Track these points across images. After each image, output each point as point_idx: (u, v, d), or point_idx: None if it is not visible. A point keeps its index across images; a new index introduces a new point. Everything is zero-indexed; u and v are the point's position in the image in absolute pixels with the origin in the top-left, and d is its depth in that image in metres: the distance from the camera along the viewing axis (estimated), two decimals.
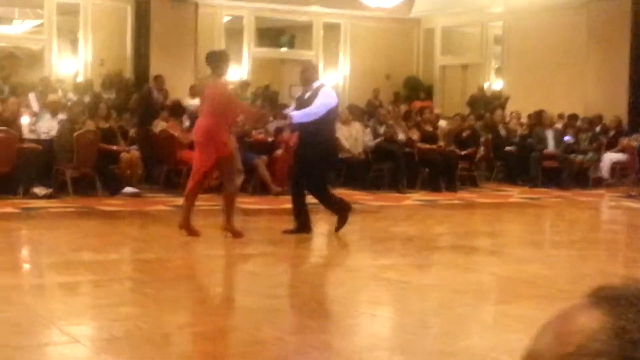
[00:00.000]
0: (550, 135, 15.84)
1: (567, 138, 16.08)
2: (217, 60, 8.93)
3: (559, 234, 11.38)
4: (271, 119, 13.42)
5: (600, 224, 13.19)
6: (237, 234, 9.01)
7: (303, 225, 9.18)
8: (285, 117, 10.02)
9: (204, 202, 11.96)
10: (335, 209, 9.41)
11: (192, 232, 8.97)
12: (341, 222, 9.33)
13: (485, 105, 19.87)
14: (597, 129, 17.08)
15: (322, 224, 9.97)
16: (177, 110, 15.60)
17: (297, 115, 9.01)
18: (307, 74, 9.31)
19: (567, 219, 12.56)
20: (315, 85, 9.12)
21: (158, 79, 17.68)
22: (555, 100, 18.01)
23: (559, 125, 16.52)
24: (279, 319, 6.15)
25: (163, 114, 14.37)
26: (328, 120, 9.07)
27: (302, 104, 9.11)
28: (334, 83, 21.48)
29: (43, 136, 12.44)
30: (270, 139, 13.78)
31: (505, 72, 21.28)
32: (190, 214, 9.05)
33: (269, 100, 18.89)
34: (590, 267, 8.57)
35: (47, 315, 5.86)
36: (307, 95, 9.11)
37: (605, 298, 0.99)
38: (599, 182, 15.77)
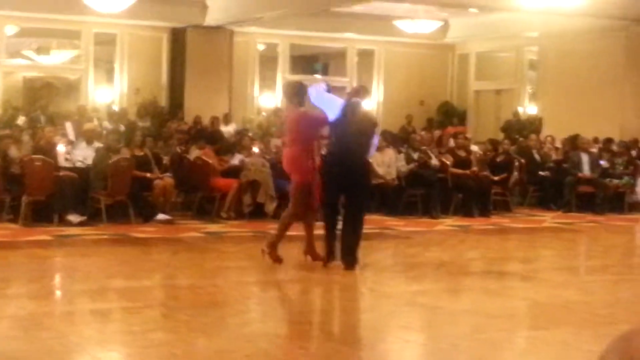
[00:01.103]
0: (585, 159, 15.70)
1: (602, 162, 15.94)
2: (292, 93, 9.36)
3: (594, 259, 11.26)
4: None
5: (636, 249, 13.07)
6: (276, 259, 9.01)
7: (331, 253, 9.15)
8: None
9: (237, 228, 12.03)
10: (327, 243, 9.15)
11: (275, 258, 9.04)
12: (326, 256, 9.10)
13: (519, 130, 19.79)
14: (633, 153, 16.93)
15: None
16: (213, 137, 15.68)
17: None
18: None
19: (602, 243, 12.43)
20: None
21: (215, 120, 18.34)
22: (591, 125, 17.87)
23: (594, 150, 16.39)
24: (312, 344, 6.16)
25: (200, 142, 14.42)
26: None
27: None
28: (368, 109, 21.49)
29: (78, 164, 12.55)
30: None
31: (540, 97, 21.18)
32: (282, 238, 9.15)
33: None
34: (626, 292, 8.50)
35: (81, 342, 5.91)
36: None
37: None
38: (634, 207, 15.59)
